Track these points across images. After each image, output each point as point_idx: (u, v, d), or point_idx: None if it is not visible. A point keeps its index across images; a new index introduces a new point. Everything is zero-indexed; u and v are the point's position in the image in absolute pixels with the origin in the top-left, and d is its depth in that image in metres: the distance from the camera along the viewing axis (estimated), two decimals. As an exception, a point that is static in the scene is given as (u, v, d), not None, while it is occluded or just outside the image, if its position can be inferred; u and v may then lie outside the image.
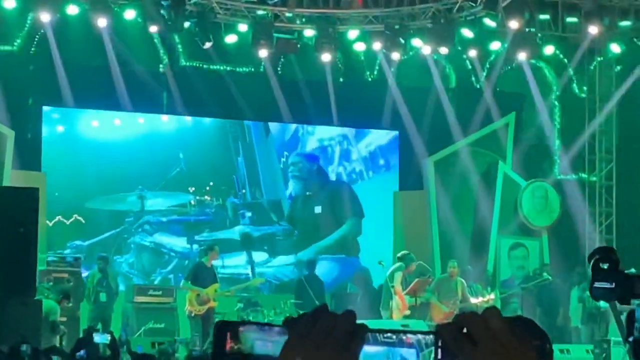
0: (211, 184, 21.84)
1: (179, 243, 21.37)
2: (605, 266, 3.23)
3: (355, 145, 23.11)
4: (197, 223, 21.61)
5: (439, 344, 1.50)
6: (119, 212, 21.03)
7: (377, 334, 1.54)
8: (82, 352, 12.53)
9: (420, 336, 1.53)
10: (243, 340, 1.60)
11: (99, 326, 17.27)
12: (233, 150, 22.13)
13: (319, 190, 22.77)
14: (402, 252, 18.95)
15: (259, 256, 22.03)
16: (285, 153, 22.59)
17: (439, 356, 1.50)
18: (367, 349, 1.53)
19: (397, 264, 18.52)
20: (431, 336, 1.52)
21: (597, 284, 3.20)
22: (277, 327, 1.62)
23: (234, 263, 21.51)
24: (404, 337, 1.53)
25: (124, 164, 20.93)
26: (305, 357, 1.51)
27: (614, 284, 3.19)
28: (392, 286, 17.97)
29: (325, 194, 22.79)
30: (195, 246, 21.03)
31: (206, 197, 21.80)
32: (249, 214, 22.10)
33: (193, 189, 21.67)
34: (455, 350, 1.49)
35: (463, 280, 18.78)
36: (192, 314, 17.82)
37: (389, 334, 1.53)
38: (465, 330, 1.50)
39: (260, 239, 22.14)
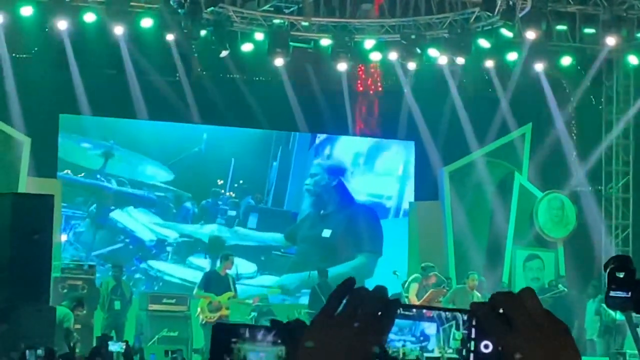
0: (241, 181, 21.73)
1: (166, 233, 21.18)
2: (621, 275, 3.19)
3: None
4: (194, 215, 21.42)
5: (473, 323, 1.48)
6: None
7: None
8: (96, 360, 12.53)
9: (440, 310, 1.51)
10: (236, 352, 1.59)
11: (113, 334, 17.28)
12: (272, 153, 21.99)
13: (336, 210, 22.20)
14: (425, 263, 18.90)
15: (247, 267, 21.35)
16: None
17: (473, 335, 1.47)
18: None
19: (414, 275, 18.47)
20: (452, 312, 1.50)
21: (612, 293, 3.16)
22: (272, 333, 1.61)
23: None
24: (424, 311, 1.50)
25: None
26: (330, 337, 1.47)
27: (630, 293, 3.15)
28: (407, 297, 17.92)
29: (342, 216, 22.08)
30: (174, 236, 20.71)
31: (230, 193, 21.65)
32: (255, 219, 21.79)
33: (221, 181, 21.58)
34: (489, 331, 1.46)
35: (479, 295, 18.62)
36: (204, 322, 17.84)
37: (410, 309, 1.51)
38: (500, 310, 1.47)
39: (258, 248, 21.76)
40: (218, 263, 18.57)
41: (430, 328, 1.52)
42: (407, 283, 18.34)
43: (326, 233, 21.76)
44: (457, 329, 1.49)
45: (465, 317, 1.49)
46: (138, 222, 20.97)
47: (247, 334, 1.64)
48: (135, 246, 20.92)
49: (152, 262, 20.97)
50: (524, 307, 1.45)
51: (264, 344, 1.60)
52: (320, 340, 1.47)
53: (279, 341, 1.64)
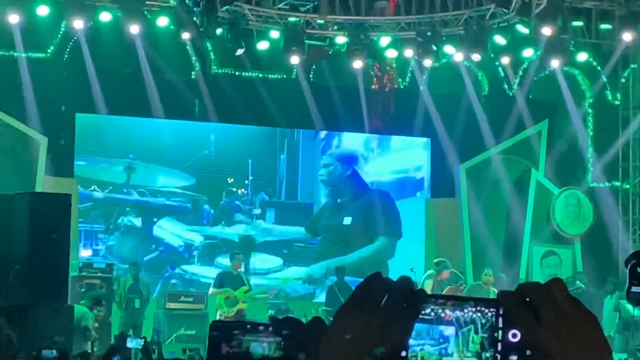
0: (251, 177, 21.78)
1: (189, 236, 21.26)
2: (643, 271, 3.18)
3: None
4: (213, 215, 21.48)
5: (500, 312, 1.47)
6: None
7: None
8: (115, 358, 12.55)
9: (459, 313, 1.49)
10: (238, 343, 1.60)
11: (130, 332, 17.31)
12: (278, 147, 22.05)
13: (352, 198, 22.41)
14: (438, 259, 18.89)
15: (273, 261, 21.68)
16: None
17: (500, 325, 1.47)
18: None
19: (429, 272, 18.48)
20: (470, 314, 1.49)
21: (634, 289, 3.15)
22: (270, 327, 1.63)
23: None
24: (442, 315, 1.49)
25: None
26: (356, 328, 1.46)
27: (651, 288, 3.14)
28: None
29: (360, 203, 22.27)
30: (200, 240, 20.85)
31: (242, 190, 21.70)
32: (272, 213, 21.88)
33: (232, 179, 21.62)
34: (516, 320, 1.45)
35: (496, 291, 18.64)
36: (222, 317, 17.86)
37: (427, 311, 1.49)
38: (527, 300, 1.46)
39: (281, 242, 21.89)
40: (229, 263, 18.64)
41: (448, 331, 1.51)
42: (422, 280, 18.33)
43: (347, 221, 21.95)
44: (476, 332, 1.49)
45: (489, 311, 1.48)
46: (165, 230, 21.08)
47: (249, 327, 1.66)
48: (168, 253, 21.04)
49: (185, 267, 21.07)
50: (552, 297, 1.45)
51: (265, 335, 1.61)
52: (346, 331, 1.46)
53: (277, 334, 1.66)
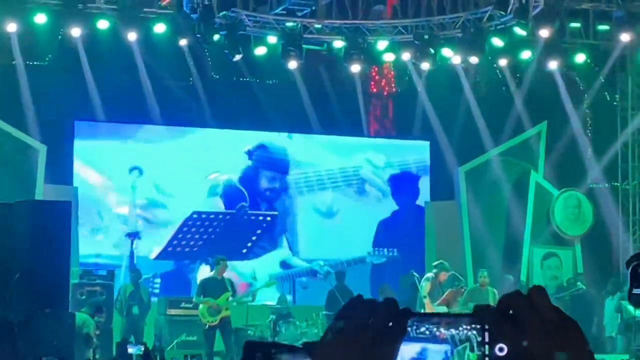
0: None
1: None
2: (644, 272, 3.18)
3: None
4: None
5: (486, 327, 1.47)
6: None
7: (410, 328, 1.50)
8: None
9: (454, 331, 1.49)
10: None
11: (132, 339, 17.31)
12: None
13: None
14: (437, 261, 18.88)
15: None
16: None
17: (487, 340, 1.46)
18: (401, 345, 1.49)
19: (427, 274, 18.44)
20: (465, 331, 1.49)
21: (636, 290, 3.15)
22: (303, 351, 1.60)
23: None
24: (437, 333, 1.49)
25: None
26: (345, 348, 1.46)
27: (653, 290, 3.15)
28: (424, 297, 17.90)
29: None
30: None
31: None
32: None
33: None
34: (500, 335, 1.45)
35: (495, 291, 18.63)
36: (207, 326, 17.89)
37: (422, 330, 1.49)
38: (510, 312, 1.46)
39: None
40: (213, 268, 18.64)
41: (443, 350, 1.51)
42: (421, 282, 18.31)
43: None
44: (472, 350, 1.49)
45: (473, 328, 1.48)
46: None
47: (286, 350, 1.64)
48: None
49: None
50: (532, 307, 1.45)
51: (302, 357, 1.59)
52: (335, 352, 1.46)
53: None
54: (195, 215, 21.38)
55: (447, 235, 21.98)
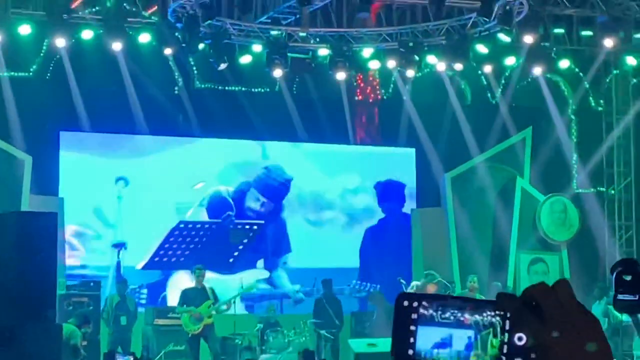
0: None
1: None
2: (629, 278, 3.19)
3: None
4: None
5: (507, 315, 1.48)
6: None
7: (435, 313, 1.50)
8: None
9: (478, 317, 1.49)
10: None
11: (119, 350, 17.27)
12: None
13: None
14: (428, 271, 18.85)
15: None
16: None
17: (507, 327, 1.47)
18: (426, 330, 1.49)
19: (413, 283, 18.36)
20: (489, 317, 1.49)
21: (620, 297, 3.16)
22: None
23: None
24: (462, 318, 1.49)
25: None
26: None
27: (637, 296, 3.15)
28: None
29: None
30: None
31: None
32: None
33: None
34: (521, 323, 1.46)
35: (483, 297, 18.67)
36: (190, 335, 17.88)
37: (447, 315, 1.49)
38: (533, 303, 1.47)
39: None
40: (193, 276, 18.61)
41: (467, 335, 1.51)
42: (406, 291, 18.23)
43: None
44: (495, 336, 1.49)
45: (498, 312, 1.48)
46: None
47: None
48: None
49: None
50: (556, 299, 1.45)
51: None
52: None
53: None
54: (181, 225, 21.35)
55: (434, 242, 22.00)
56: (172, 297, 19.97)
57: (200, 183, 21.61)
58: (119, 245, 20.62)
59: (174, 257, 21.26)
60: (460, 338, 1.50)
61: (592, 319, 1.47)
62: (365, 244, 22.57)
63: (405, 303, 1.52)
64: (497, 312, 1.49)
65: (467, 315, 1.50)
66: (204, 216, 21.68)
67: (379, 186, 22.85)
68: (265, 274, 21.79)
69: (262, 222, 22.02)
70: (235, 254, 21.74)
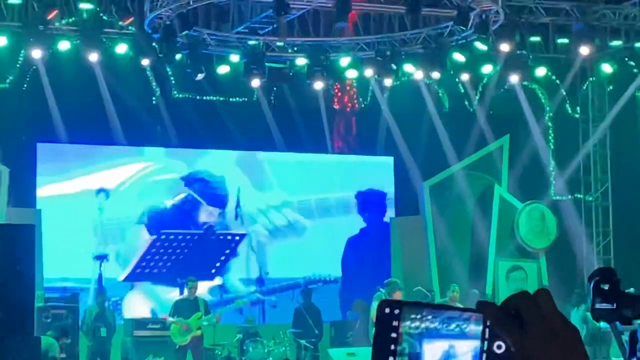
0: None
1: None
2: (606, 287, 3.21)
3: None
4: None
5: (487, 323, 1.47)
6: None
7: (441, 325, 1.49)
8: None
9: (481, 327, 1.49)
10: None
11: (98, 361, 17.22)
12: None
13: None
14: (389, 279, 18.56)
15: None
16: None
17: (486, 335, 1.47)
18: (432, 343, 1.48)
19: (377, 293, 18.13)
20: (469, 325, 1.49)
21: (598, 305, 3.17)
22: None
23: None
24: (467, 330, 1.48)
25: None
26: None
27: (615, 304, 3.17)
28: (370, 317, 17.64)
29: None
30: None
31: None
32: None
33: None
34: (500, 332, 1.45)
35: (462, 306, 18.63)
36: (177, 346, 17.84)
37: (452, 327, 1.48)
38: (513, 312, 1.46)
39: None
40: (183, 289, 18.59)
41: (473, 343, 1.50)
42: (372, 303, 17.95)
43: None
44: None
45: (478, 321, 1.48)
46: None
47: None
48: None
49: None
50: (537, 309, 1.45)
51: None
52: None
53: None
54: (163, 236, 21.30)
55: (413, 251, 22.01)
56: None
57: (181, 194, 21.56)
58: (101, 257, 20.56)
59: (155, 269, 21.20)
60: (467, 348, 1.49)
61: (573, 328, 1.48)
62: (347, 254, 22.57)
63: (387, 310, 1.51)
64: (476, 320, 1.49)
65: (473, 326, 1.49)
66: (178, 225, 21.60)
67: (360, 196, 22.87)
68: (219, 281, 21.72)
69: (245, 232, 21.97)
70: (217, 264, 21.70)
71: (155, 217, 21.28)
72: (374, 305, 17.69)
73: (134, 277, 21.07)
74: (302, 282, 21.64)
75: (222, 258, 21.78)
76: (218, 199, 21.90)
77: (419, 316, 1.49)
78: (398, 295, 18.18)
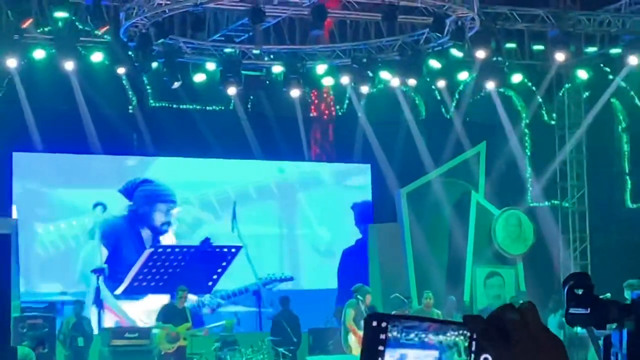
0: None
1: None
2: (580, 292, 3.20)
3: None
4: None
5: (474, 336, 1.48)
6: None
7: (399, 335, 1.49)
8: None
9: (442, 337, 1.49)
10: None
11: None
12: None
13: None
14: (356, 285, 18.45)
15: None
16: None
17: (473, 348, 1.47)
18: (392, 352, 1.48)
19: (349, 301, 18.04)
20: (453, 337, 1.49)
21: (572, 310, 3.17)
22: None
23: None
24: (426, 339, 1.49)
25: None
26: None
27: (589, 309, 3.17)
28: (345, 324, 17.57)
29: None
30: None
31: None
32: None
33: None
34: (487, 344, 1.46)
35: (439, 312, 18.69)
36: (162, 353, 17.80)
37: (411, 336, 1.49)
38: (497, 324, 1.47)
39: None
40: (176, 296, 18.53)
41: (432, 353, 1.50)
42: (344, 309, 17.85)
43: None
44: (459, 355, 1.49)
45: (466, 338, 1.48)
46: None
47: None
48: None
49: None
50: (523, 322, 1.45)
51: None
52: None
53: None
54: (160, 249, 21.17)
55: (390, 258, 22.01)
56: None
57: (177, 207, 21.49)
58: (98, 271, 20.46)
59: (152, 282, 21.10)
60: (425, 358, 1.50)
61: (558, 342, 1.48)
62: (342, 265, 22.56)
63: (374, 323, 1.52)
64: (461, 332, 1.49)
65: (431, 336, 1.50)
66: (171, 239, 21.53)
67: (356, 207, 22.84)
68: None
69: (241, 245, 21.84)
70: (214, 277, 21.61)
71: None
72: (348, 312, 17.65)
73: (131, 291, 20.96)
74: (259, 283, 21.56)
75: (219, 270, 21.69)
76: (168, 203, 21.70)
77: (405, 328, 1.50)
78: (369, 299, 18.12)
